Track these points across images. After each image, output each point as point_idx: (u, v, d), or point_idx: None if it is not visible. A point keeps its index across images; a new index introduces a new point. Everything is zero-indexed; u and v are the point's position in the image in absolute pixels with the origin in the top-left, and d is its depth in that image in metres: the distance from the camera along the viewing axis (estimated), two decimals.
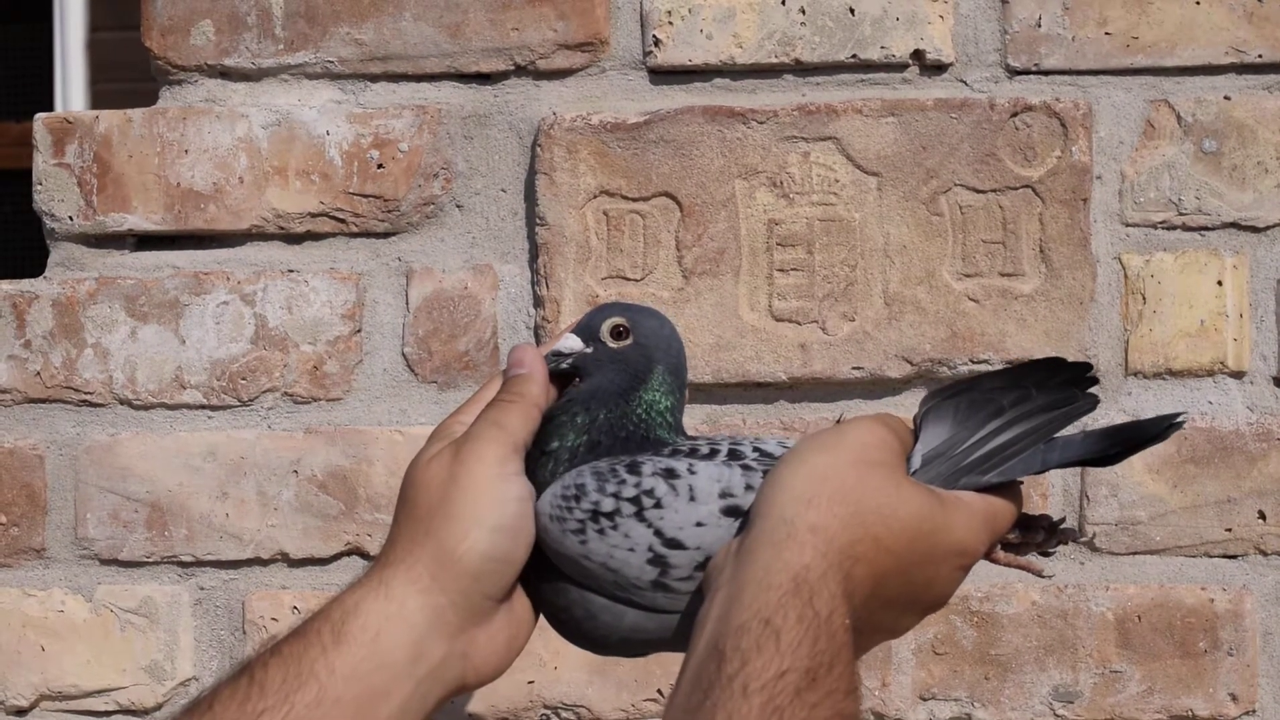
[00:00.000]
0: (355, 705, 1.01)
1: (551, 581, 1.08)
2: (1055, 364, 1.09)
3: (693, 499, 1.05)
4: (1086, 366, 1.09)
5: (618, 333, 1.12)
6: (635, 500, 1.05)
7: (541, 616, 1.10)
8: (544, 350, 1.12)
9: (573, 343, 1.11)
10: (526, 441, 1.09)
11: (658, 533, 1.05)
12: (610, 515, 1.05)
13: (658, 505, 1.05)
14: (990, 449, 1.07)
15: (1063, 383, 1.08)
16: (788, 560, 0.98)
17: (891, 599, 1.05)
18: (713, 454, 1.07)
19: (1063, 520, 1.13)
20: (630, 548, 1.05)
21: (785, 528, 1.00)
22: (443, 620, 1.04)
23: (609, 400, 1.10)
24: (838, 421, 1.13)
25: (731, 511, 1.05)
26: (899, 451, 1.05)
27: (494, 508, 1.05)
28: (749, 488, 1.05)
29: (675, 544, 1.05)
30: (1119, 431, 1.07)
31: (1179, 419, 1.06)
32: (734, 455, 1.07)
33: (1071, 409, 1.08)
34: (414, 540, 1.06)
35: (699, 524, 1.05)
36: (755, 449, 1.08)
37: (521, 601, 1.09)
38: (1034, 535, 1.11)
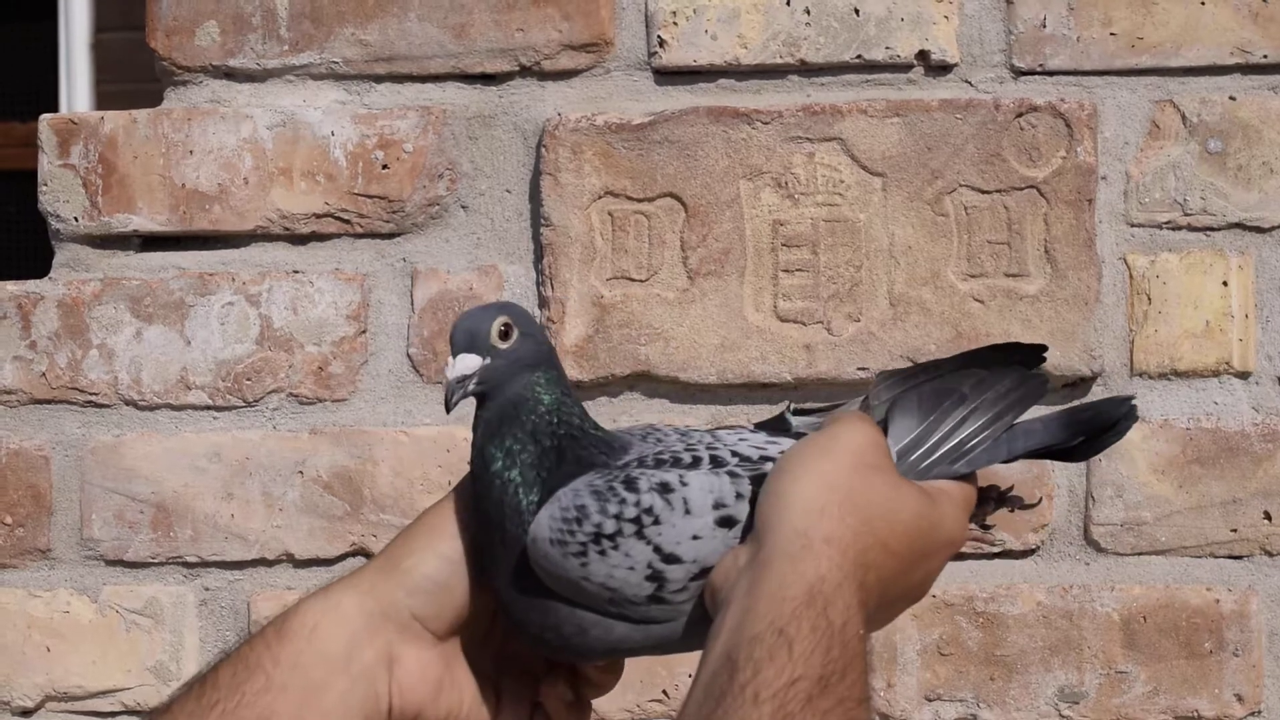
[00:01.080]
0: (299, 693, 1.03)
1: (536, 600, 1.07)
2: (1008, 347, 1.12)
3: (688, 512, 1.05)
4: (1041, 347, 1.11)
5: (504, 332, 1.06)
6: (636, 520, 1.04)
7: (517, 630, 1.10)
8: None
9: (470, 361, 1.05)
10: None
11: (656, 549, 1.04)
12: (612, 536, 1.04)
13: (656, 522, 1.04)
14: (957, 440, 1.09)
15: (1015, 363, 1.11)
16: (803, 572, 0.99)
17: (893, 599, 1.06)
18: (696, 462, 1.07)
19: (1010, 489, 1.15)
20: (630, 566, 1.05)
21: (800, 540, 1.00)
22: (374, 623, 1.06)
23: (527, 408, 1.06)
24: (786, 412, 1.14)
25: (725, 522, 1.05)
26: (887, 451, 1.07)
27: (451, 541, 1.07)
28: (739, 496, 1.05)
29: (673, 559, 1.05)
30: (1076, 416, 1.10)
31: (1132, 402, 1.09)
32: (716, 462, 1.07)
33: (1027, 391, 1.10)
34: (371, 562, 1.09)
35: (695, 537, 1.05)
36: (732, 453, 1.08)
37: (464, 673, 1.09)
38: (986, 507, 1.14)
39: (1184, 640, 1.53)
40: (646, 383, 1.55)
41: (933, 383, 1.10)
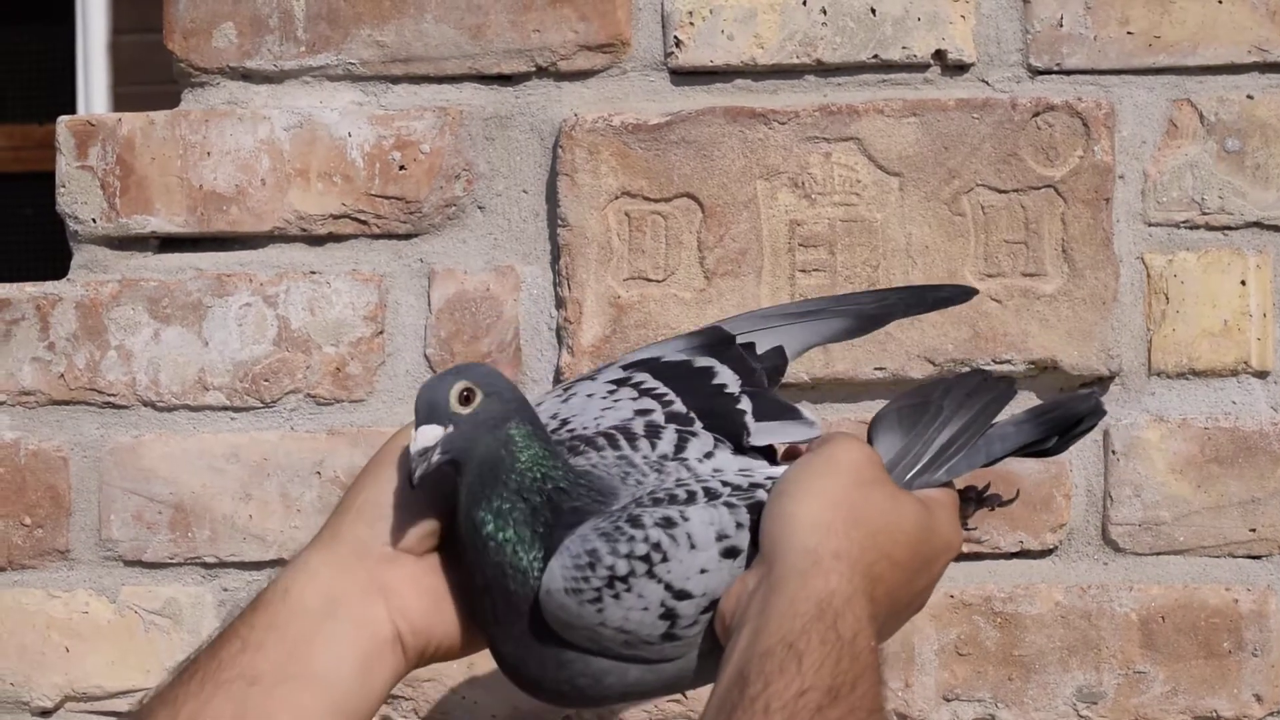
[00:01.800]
0: (279, 650, 1.05)
1: (548, 655, 1.06)
2: (923, 289, 1.21)
3: (693, 546, 1.05)
4: (968, 291, 1.21)
5: (465, 397, 1.05)
6: (646, 558, 1.04)
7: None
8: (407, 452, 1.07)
9: (432, 431, 1.04)
10: None
11: (668, 586, 1.05)
12: (625, 578, 1.04)
13: (665, 559, 1.05)
14: (936, 448, 1.12)
15: (976, 371, 1.16)
16: (813, 588, 1.00)
17: (899, 609, 1.08)
18: (691, 497, 1.07)
19: (987, 487, 1.19)
20: (645, 607, 1.05)
21: (809, 557, 1.01)
22: (346, 567, 1.07)
23: (505, 467, 1.05)
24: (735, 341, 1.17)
25: (730, 552, 1.06)
26: (882, 465, 1.09)
27: (387, 466, 1.09)
28: (740, 525, 1.06)
29: (684, 594, 1.05)
30: (1046, 415, 1.14)
31: (1098, 396, 1.16)
32: (710, 495, 1.07)
33: (997, 395, 1.14)
34: (329, 519, 1.11)
35: (703, 570, 1.05)
36: (723, 483, 1.08)
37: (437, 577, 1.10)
38: (967, 508, 1.17)
39: (1203, 640, 1.53)
40: None
41: (910, 399, 1.13)
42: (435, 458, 1.04)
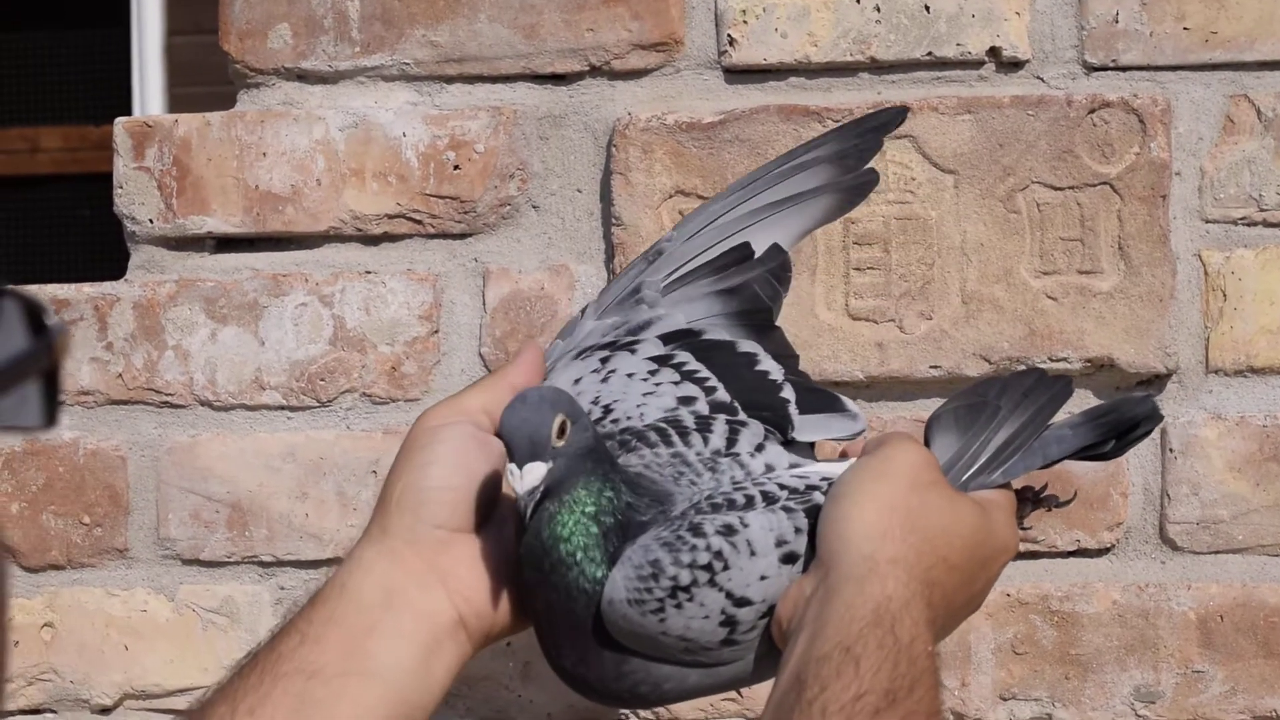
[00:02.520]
0: (340, 643, 1.05)
1: (609, 663, 1.06)
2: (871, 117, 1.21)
3: (753, 553, 1.05)
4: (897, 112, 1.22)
5: (561, 430, 1.04)
6: (708, 566, 1.04)
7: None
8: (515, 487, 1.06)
9: (539, 470, 1.03)
10: (482, 408, 1.10)
11: (728, 594, 1.05)
12: (687, 588, 1.04)
13: (726, 567, 1.04)
14: (993, 450, 1.11)
15: (1032, 369, 1.17)
16: (870, 593, 1.00)
17: (956, 611, 1.08)
18: (750, 502, 1.07)
19: (1044, 488, 1.18)
20: (705, 615, 1.05)
21: (866, 563, 1.01)
22: (400, 558, 1.07)
23: (586, 494, 1.05)
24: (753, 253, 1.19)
25: (789, 558, 1.06)
26: (939, 468, 1.09)
27: (421, 452, 1.09)
28: (798, 530, 1.06)
29: (744, 601, 1.05)
30: (1102, 417, 1.14)
31: (1154, 399, 1.15)
32: (768, 499, 1.07)
33: (1054, 394, 1.14)
34: (375, 511, 1.11)
35: (763, 577, 1.05)
36: (780, 485, 1.08)
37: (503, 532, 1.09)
38: (1024, 509, 1.17)
39: (1262, 639, 1.52)
40: None
41: (967, 399, 1.13)
42: (540, 492, 1.03)
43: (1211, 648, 1.52)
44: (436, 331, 1.58)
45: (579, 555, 1.04)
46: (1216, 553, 1.53)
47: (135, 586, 1.60)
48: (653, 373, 1.16)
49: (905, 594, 1.00)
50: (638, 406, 1.14)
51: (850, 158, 1.24)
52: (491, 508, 1.09)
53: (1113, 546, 1.53)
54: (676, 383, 1.16)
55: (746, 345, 1.19)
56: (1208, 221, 1.53)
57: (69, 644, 1.60)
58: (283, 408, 1.58)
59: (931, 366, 1.52)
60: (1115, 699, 1.52)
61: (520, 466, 1.02)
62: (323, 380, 1.58)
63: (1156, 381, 1.52)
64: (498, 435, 1.04)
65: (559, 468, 1.03)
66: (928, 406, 1.53)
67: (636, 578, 1.04)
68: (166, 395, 1.59)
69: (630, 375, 1.16)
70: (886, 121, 1.27)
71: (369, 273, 1.58)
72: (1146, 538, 1.53)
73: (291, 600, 1.58)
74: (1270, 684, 1.51)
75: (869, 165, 1.25)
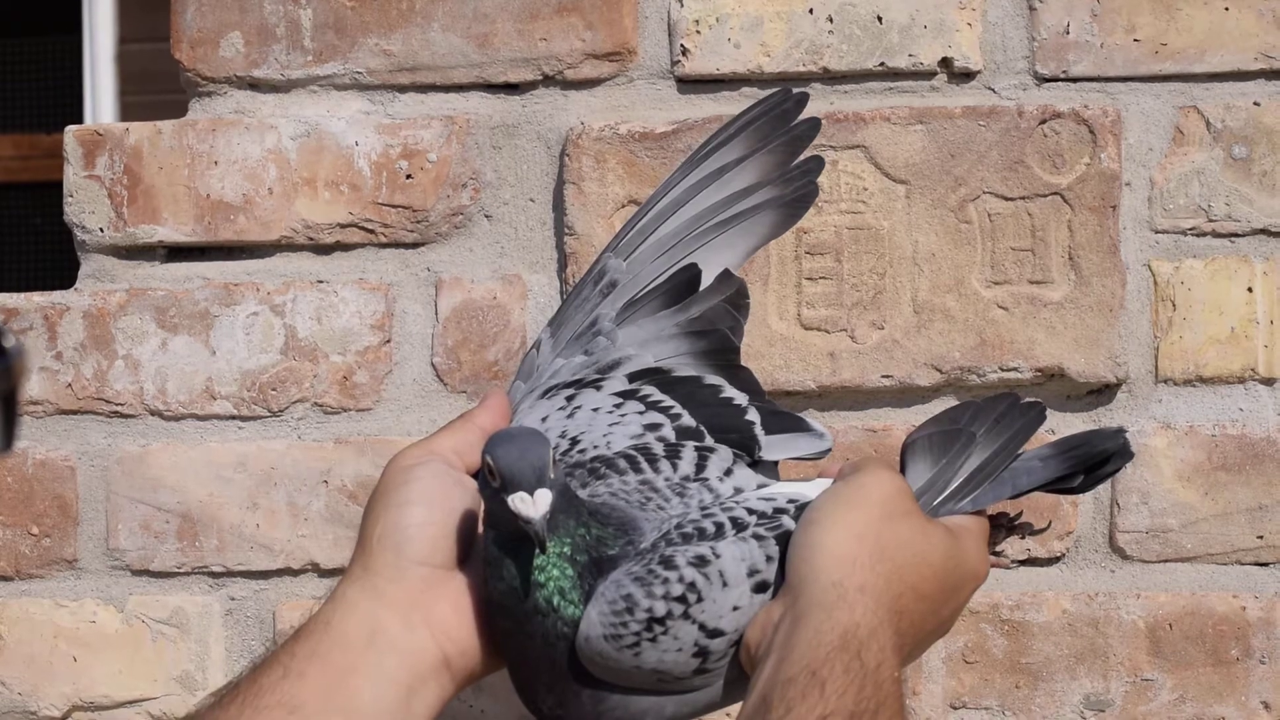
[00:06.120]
0: (322, 679, 1.04)
1: (585, 698, 1.06)
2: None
3: (725, 584, 1.05)
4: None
5: (555, 462, 1.04)
6: (681, 598, 1.04)
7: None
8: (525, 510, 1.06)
9: (548, 496, 1.02)
10: (453, 449, 1.10)
11: (701, 626, 1.05)
12: (662, 620, 1.04)
13: (700, 599, 1.04)
14: (964, 476, 1.12)
15: (1006, 394, 1.16)
16: (838, 620, 1.00)
17: (924, 637, 1.09)
18: (720, 530, 1.07)
19: (1019, 515, 1.19)
20: (679, 648, 1.05)
21: (835, 590, 1.02)
22: (383, 596, 1.07)
23: (564, 531, 1.05)
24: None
25: (760, 587, 1.06)
26: (912, 496, 1.09)
27: (398, 491, 1.08)
28: (769, 559, 1.06)
29: (716, 633, 1.05)
30: (1073, 449, 1.14)
31: (1125, 434, 1.15)
32: (737, 525, 1.07)
33: (1028, 420, 1.14)
34: (355, 552, 1.10)
35: (735, 608, 1.05)
36: (748, 510, 1.08)
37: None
38: (998, 535, 1.17)
39: (1210, 648, 1.52)
40: None
41: (937, 423, 1.14)
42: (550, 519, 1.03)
43: (1161, 656, 1.53)
44: (389, 341, 1.57)
45: (555, 600, 1.04)
46: (1166, 561, 1.53)
47: (84, 597, 1.59)
48: (618, 405, 1.17)
49: (873, 621, 1.01)
50: (604, 435, 1.14)
51: (781, 159, 1.23)
52: (471, 545, 1.09)
53: (1063, 555, 1.54)
54: (641, 412, 1.16)
55: (712, 378, 1.19)
56: (1157, 232, 1.54)
57: (17, 655, 1.59)
58: (234, 417, 1.58)
59: (883, 376, 1.53)
60: (1065, 707, 1.53)
61: (531, 493, 1.02)
62: (274, 390, 1.57)
63: (1106, 391, 1.53)
64: (483, 473, 1.04)
65: (555, 494, 1.03)
66: (879, 416, 1.53)
67: (611, 613, 1.04)
68: (116, 405, 1.58)
69: (595, 410, 1.16)
70: (791, 109, 1.25)
71: (321, 282, 1.58)
72: (1096, 546, 1.54)
73: (241, 611, 1.58)
74: (1219, 692, 1.52)
75: (804, 163, 1.23)
